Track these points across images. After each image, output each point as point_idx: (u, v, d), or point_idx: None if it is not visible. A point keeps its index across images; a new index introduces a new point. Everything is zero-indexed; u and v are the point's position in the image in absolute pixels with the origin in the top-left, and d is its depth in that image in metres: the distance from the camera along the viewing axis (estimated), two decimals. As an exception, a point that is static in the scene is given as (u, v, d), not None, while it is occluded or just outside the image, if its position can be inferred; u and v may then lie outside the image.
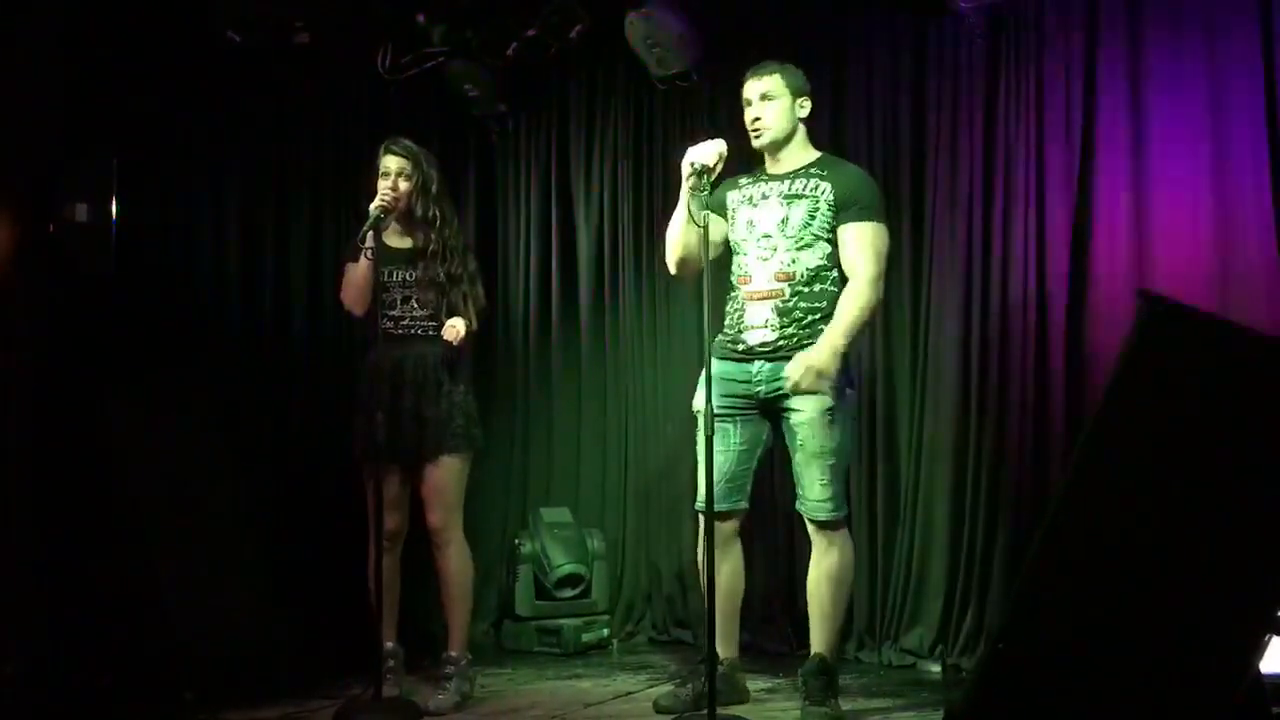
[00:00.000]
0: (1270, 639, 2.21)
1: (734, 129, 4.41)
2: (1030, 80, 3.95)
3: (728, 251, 3.54)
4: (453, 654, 3.69)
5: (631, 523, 4.80)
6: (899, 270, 4.22)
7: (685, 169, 3.27)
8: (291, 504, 4.74)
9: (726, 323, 3.47)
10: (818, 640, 3.39)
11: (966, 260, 4.05)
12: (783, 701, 3.63)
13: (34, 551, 3.83)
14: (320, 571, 4.54)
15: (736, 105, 4.46)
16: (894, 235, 4.19)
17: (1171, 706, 2.12)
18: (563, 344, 4.99)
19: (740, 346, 3.38)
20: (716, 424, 3.32)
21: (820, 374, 3.20)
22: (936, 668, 4.00)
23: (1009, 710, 2.26)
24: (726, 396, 3.37)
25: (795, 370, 3.20)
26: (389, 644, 3.66)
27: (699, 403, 3.42)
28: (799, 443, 3.32)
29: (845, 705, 3.44)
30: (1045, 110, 3.93)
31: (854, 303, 3.27)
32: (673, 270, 3.54)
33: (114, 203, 4.29)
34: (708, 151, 3.24)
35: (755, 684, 3.83)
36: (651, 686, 3.85)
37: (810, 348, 3.24)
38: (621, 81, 4.82)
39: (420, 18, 4.63)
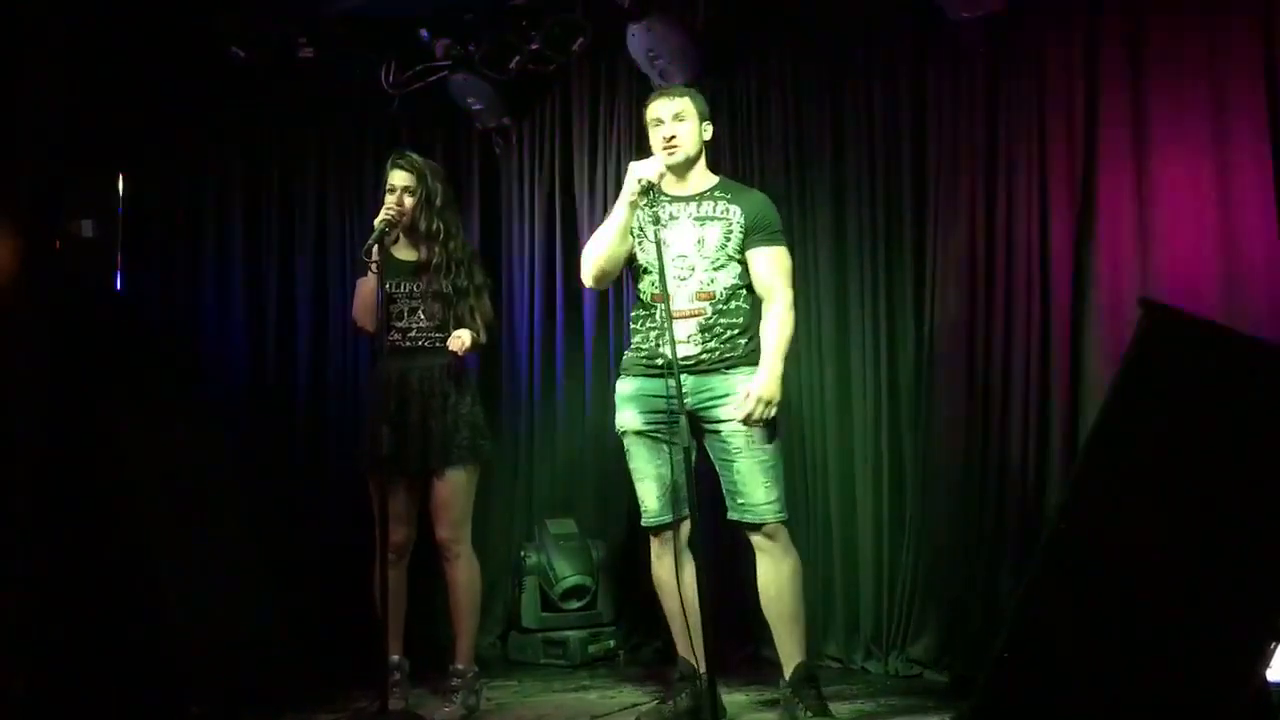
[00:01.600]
0: (1276, 647, 2.20)
1: (733, 141, 4.47)
2: (1031, 90, 3.95)
3: (626, 269, 3.56)
4: (459, 666, 3.69)
5: (637, 534, 4.78)
6: (902, 283, 4.22)
7: (631, 184, 3.31)
8: (298, 516, 4.75)
9: (638, 339, 3.50)
10: (795, 649, 3.36)
11: (970, 271, 4.04)
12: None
13: (40, 567, 3.84)
14: (326, 584, 4.55)
15: (737, 115, 4.52)
16: (896, 257, 4.23)
17: (1177, 714, 2.12)
18: (567, 354, 4.99)
19: (660, 361, 3.36)
20: (645, 439, 3.42)
21: (770, 402, 3.30)
22: (943, 677, 3.99)
23: (1015, 719, 2.26)
24: (649, 413, 3.41)
25: (747, 405, 3.28)
26: (395, 656, 3.66)
27: (623, 422, 3.48)
28: (734, 450, 3.34)
29: (852, 715, 3.43)
30: (1046, 120, 3.92)
31: (781, 328, 3.37)
32: (590, 282, 3.54)
33: (119, 218, 4.32)
34: (652, 167, 3.31)
35: (757, 694, 3.83)
36: (657, 699, 3.84)
37: (752, 380, 3.31)
38: (623, 94, 4.83)
39: (424, 32, 4.65)
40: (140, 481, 3.85)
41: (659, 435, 3.40)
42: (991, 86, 4.04)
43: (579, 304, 4.98)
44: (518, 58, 4.61)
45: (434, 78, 4.74)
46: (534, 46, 4.55)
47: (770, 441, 3.35)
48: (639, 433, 3.44)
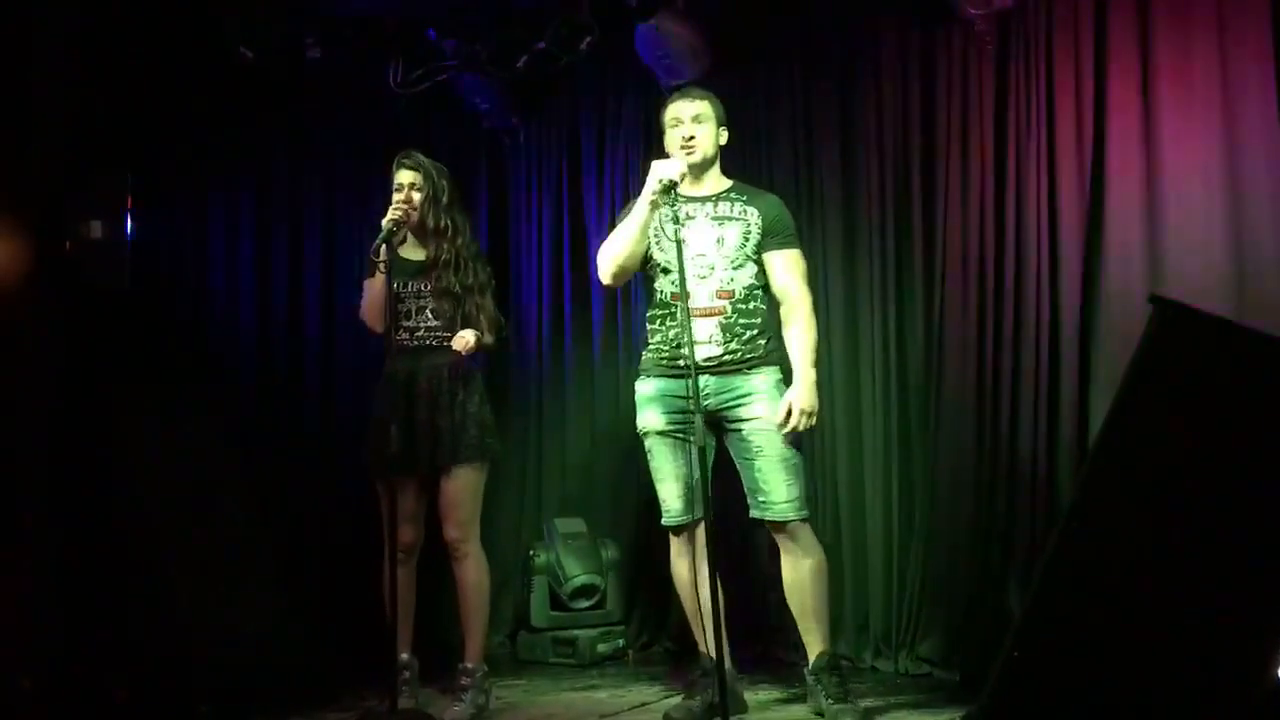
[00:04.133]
0: (1288, 645, 2.19)
1: (743, 136, 4.45)
2: (1040, 84, 3.94)
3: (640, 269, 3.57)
4: (468, 665, 3.69)
5: (646, 532, 4.79)
6: (912, 281, 4.22)
7: (653, 184, 3.32)
8: (306, 516, 4.76)
9: (657, 339, 3.51)
10: (819, 638, 3.43)
11: (979, 267, 4.04)
12: (795, 710, 3.62)
13: (49, 566, 3.85)
14: (335, 583, 4.56)
15: (746, 114, 4.50)
16: (905, 252, 4.23)
17: (1188, 714, 2.11)
18: (576, 354, 4.99)
19: (681, 362, 3.36)
20: (668, 440, 3.44)
21: (810, 412, 3.37)
22: (953, 676, 3.98)
23: (1026, 718, 2.25)
24: (671, 413, 3.44)
25: (792, 420, 3.34)
26: (404, 655, 3.66)
27: (645, 423, 3.50)
28: (757, 449, 3.39)
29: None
30: (1055, 113, 3.90)
31: (806, 334, 3.44)
32: (608, 280, 3.55)
33: (128, 219, 4.33)
34: (674, 167, 3.33)
35: (768, 694, 3.82)
36: (667, 697, 3.84)
37: (789, 391, 3.38)
38: (631, 92, 4.83)
39: (431, 32, 4.65)
40: (149, 481, 3.87)
41: (681, 435, 3.44)
42: (1001, 81, 4.04)
43: (587, 302, 4.98)
44: (525, 57, 4.60)
45: (441, 77, 4.73)
46: (541, 46, 4.54)
47: (791, 440, 3.40)
48: (661, 433, 3.47)
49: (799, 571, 3.41)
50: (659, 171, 3.33)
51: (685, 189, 3.48)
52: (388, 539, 3.51)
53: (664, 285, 3.49)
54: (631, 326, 4.86)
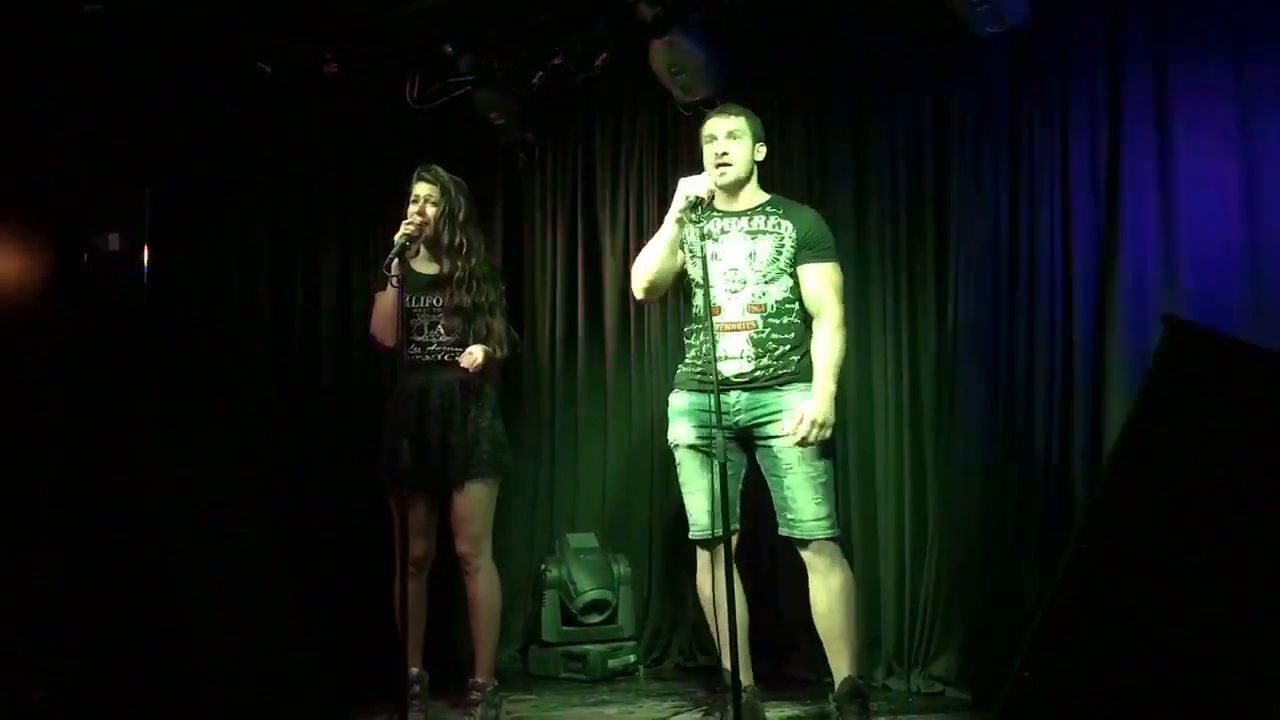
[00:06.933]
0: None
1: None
2: (1054, 103, 3.94)
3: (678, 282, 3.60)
4: (479, 680, 3.69)
5: (658, 548, 4.79)
6: (925, 300, 4.21)
7: (680, 201, 3.33)
8: (318, 530, 4.77)
9: (692, 354, 3.54)
10: (844, 663, 3.39)
11: (994, 289, 4.03)
12: (810, 730, 3.61)
13: (62, 580, 3.87)
14: (346, 597, 4.56)
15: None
16: (918, 264, 4.22)
17: (1200, 736, 2.10)
18: (589, 369, 5.00)
19: (713, 377, 3.37)
20: (698, 454, 3.43)
21: (824, 425, 3.32)
22: (966, 695, 3.96)
23: (1036, 739, 2.25)
24: (701, 427, 3.44)
25: (801, 429, 3.30)
26: (414, 670, 3.67)
27: (676, 436, 3.50)
28: (786, 466, 3.37)
29: (874, 733, 3.42)
30: (1069, 125, 3.90)
31: (832, 346, 3.41)
32: (640, 295, 3.57)
33: (146, 233, 4.36)
34: (701, 184, 3.33)
35: (780, 712, 3.81)
36: (678, 713, 3.84)
37: (805, 403, 3.32)
38: (645, 108, 4.85)
39: (447, 47, 4.69)
40: (161, 494, 3.87)
41: (711, 450, 3.40)
42: (1015, 97, 4.03)
43: (600, 317, 4.99)
44: (540, 73, 4.63)
45: (457, 93, 4.76)
46: (557, 62, 4.57)
47: (822, 458, 3.38)
48: (691, 446, 3.47)
49: (828, 592, 3.39)
50: (686, 188, 3.33)
51: (720, 204, 3.51)
52: (399, 553, 3.51)
53: (698, 301, 3.50)
54: (645, 342, 4.87)
